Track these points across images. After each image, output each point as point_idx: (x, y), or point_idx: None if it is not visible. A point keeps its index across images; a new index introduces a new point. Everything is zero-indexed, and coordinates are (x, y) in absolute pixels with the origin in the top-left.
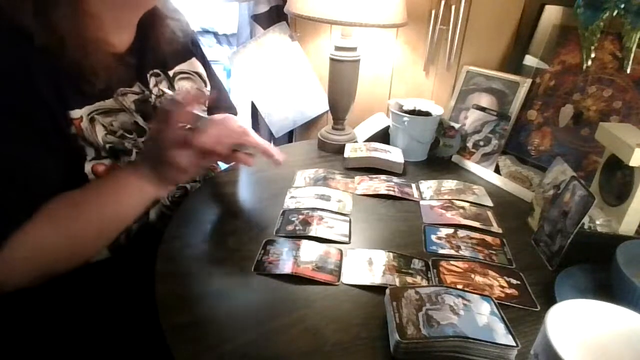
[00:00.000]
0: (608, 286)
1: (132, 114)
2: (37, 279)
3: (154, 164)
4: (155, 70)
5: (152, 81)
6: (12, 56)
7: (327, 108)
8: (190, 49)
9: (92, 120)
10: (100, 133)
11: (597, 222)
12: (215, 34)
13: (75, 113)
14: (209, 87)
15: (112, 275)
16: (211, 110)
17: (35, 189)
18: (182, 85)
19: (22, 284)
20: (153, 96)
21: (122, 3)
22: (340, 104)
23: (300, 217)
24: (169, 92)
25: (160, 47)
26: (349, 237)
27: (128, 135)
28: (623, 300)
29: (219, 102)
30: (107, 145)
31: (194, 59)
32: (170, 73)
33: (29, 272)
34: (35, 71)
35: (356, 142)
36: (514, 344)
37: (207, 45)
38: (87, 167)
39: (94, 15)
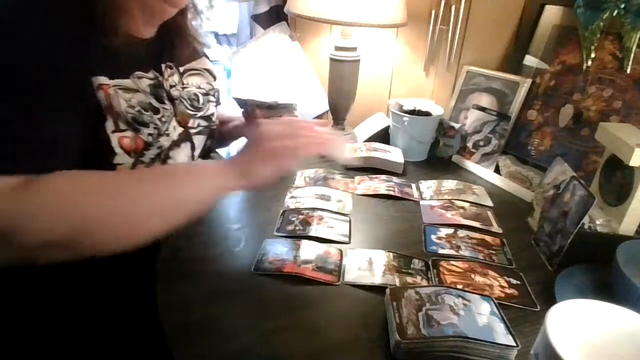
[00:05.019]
0: (608, 286)
1: (147, 95)
2: (68, 235)
3: (249, 155)
4: (169, 64)
5: (166, 72)
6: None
7: (327, 108)
8: (202, 51)
9: (115, 92)
10: (123, 104)
11: (597, 222)
12: (215, 34)
13: (104, 79)
14: (218, 81)
15: (113, 275)
16: None
17: (56, 146)
18: (192, 80)
19: (51, 229)
20: (167, 84)
21: (144, 4)
22: (340, 104)
23: (300, 217)
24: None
25: (180, 54)
26: (349, 237)
27: (144, 112)
28: (623, 300)
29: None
30: (129, 116)
31: (203, 58)
32: (181, 69)
33: (62, 216)
34: (59, 31)
35: (356, 142)
36: (514, 344)
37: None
38: (114, 140)
39: None
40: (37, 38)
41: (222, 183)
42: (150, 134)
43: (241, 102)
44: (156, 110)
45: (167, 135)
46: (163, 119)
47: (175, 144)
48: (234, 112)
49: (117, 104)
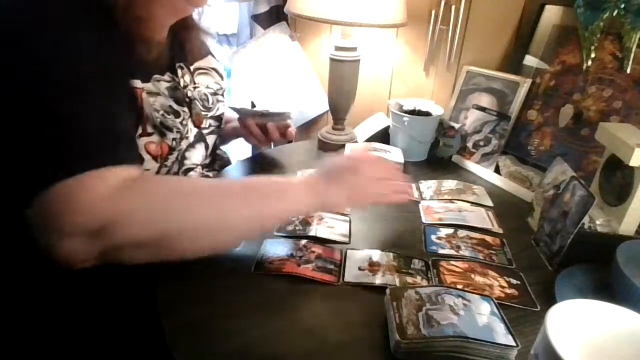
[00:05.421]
0: (608, 286)
1: (167, 98)
2: (158, 239)
3: (338, 186)
4: (180, 64)
5: (179, 73)
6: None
7: (327, 108)
8: (208, 49)
9: (145, 95)
10: (150, 108)
11: (597, 222)
12: (215, 34)
13: (138, 83)
14: (225, 81)
15: (113, 275)
16: None
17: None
18: (201, 79)
19: (141, 232)
20: (181, 85)
21: (165, 4)
22: (340, 104)
23: (300, 217)
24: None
25: (190, 49)
26: (349, 237)
27: (167, 116)
28: (623, 300)
29: None
30: (157, 120)
31: (209, 57)
32: (191, 68)
33: (159, 219)
34: (105, 33)
35: (356, 142)
36: (514, 344)
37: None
38: (141, 147)
39: (147, 3)
40: (96, 46)
41: (305, 207)
42: (174, 139)
43: (235, 111)
44: (177, 114)
45: (187, 138)
46: (183, 122)
47: (191, 145)
48: (233, 113)
49: (148, 107)
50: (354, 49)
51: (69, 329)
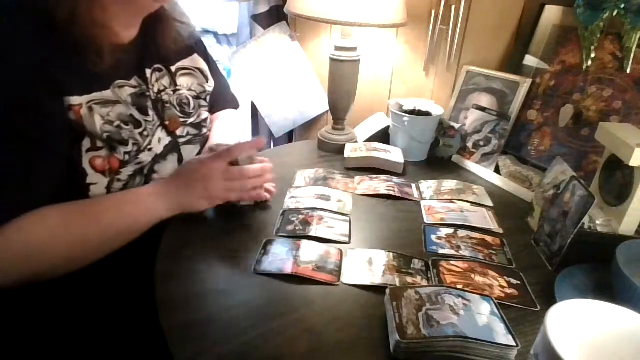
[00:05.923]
0: (608, 286)
1: (128, 107)
2: (26, 279)
3: (187, 192)
4: (158, 66)
5: (153, 77)
6: (11, 38)
7: (327, 108)
8: (193, 46)
9: (90, 109)
10: (98, 122)
11: (597, 222)
12: (215, 34)
13: (75, 100)
14: (210, 83)
15: (113, 275)
16: (215, 104)
17: (36, 182)
18: (184, 81)
19: (9, 279)
20: (152, 92)
21: (128, 2)
22: (340, 104)
23: (300, 217)
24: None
25: (164, 44)
26: (349, 237)
27: (124, 127)
28: (623, 300)
29: (223, 96)
30: (105, 135)
31: (195, 55)
32: (173, 69)
33: (21, 268)
34: (31, 55)
35: (356, 142)
36: (514, 344)
37: (207, 45)
38: (85, 162)
39: (103, 6)
40: (14, 68)
41: (160, 212)
42: (127, 152)
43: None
44: (137, 124)
45: (150, 150)
46: (145, 133)
47: (162, 157)
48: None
49: (90, 124)
50: (354, 49)
51: (69, 329)
